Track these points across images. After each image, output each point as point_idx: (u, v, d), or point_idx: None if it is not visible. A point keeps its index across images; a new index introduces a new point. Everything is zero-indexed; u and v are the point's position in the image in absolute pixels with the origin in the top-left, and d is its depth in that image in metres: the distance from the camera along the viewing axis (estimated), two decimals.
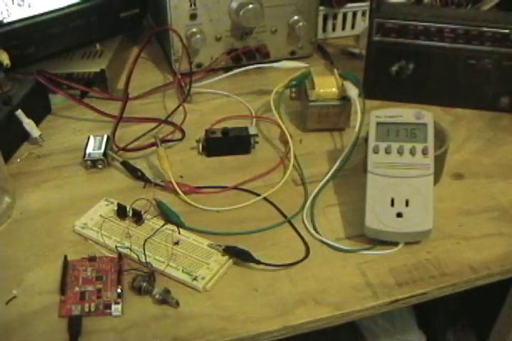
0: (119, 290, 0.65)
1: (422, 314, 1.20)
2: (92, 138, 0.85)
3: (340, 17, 1.08)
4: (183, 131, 0.88)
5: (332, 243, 0.72)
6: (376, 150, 0.74)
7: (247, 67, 0.97)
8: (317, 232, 0.73)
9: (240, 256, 0.69)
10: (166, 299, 0.65)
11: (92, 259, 0.69)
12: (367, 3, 1.04)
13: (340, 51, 1.07)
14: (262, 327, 0.64)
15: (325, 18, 1.08)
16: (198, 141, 0.85)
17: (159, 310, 0.65)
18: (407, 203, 0.71)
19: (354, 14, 1.08)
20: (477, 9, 0.99)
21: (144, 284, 0.65)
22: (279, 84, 0.89)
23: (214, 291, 0.67)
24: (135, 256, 0.68)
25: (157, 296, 0.65)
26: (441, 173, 0.80)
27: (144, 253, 0.68)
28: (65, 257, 0.69)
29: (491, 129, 0.89)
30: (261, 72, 0.99)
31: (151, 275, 0.66)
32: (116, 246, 0.70)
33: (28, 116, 0.85)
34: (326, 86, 0.86)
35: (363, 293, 0.67)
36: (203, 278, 0.67)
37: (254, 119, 0.91)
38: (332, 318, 0.65)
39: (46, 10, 0.90)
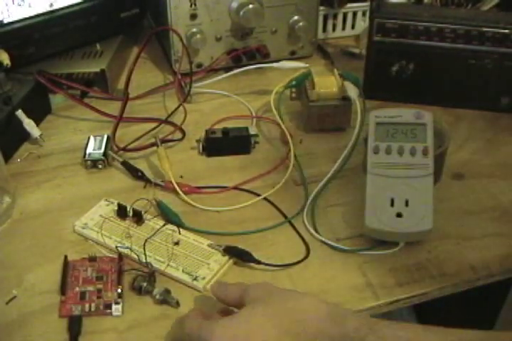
0: (119, 290, 0.65)
1: (422, 314, 1.20)
2: (92, 138, 0.85)
3: (340, 17, 1.08)
4: (183, 131, 0.88)
5: (332, 243, 0.72)
6: (376, 151, 0.74)
7: (247, 67, 0.97)
8: (317, 232, 0.73)
9: (240, 256, 0.69)
10: (166, 299, 0.65)
11: (92, 259, 0.69)
12: (367, 3, 1.05)
13: (341, 51, 1.07)
14: None
15: (325, 18, 1.08)
16: (198, 141, 0.85)
17: (159, 310, 0.65)
18: (406, 203, 0.70)
19: (354, 14, 1.08)
20: (477, 9, 0.99)
21: (144, 284, 0.65)
22: (279, 84, 0.89)
23: None
24: (135, 256, 0.68)
25: (157, 296, 0.65)
26: (441, 173, 0.80)
27: (145, 254, 0.68)
28: (66, 257, 0.69)
29: (492, 129, 0.89)
30: (261, 72, 0.99)
31: (151, 275, 0.66)
32: (116, 246, 0.70)
33: (28, 116, 0.85)
34: (326, 86, 0.86)
35: (363, 293, 0.67)
36: (203, 278, 0.67)
37: (254, 119, 0.91)
38: None
39: (46, 10, 0.90)
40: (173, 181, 0.77)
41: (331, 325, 0.53)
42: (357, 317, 0.54)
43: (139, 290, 0.66)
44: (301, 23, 0.99)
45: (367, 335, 0.51)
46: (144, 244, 0.69)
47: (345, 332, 0.53)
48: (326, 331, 0.53)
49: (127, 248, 0.69)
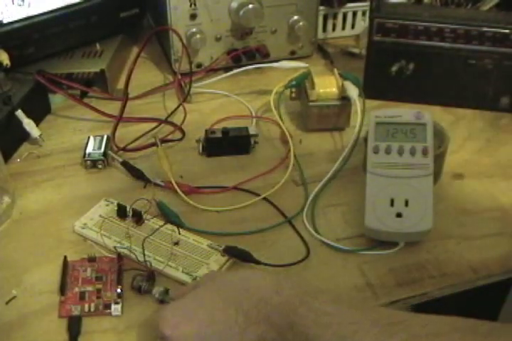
0: (118, 290, 0.65)
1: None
2: (92, 138, 0.85)
3: (340, 17, 1.08)
4: (183, 131, 0.88)
5: (332, 243, 0.72)
6: (376, 151, 0.74)
7: (247, 67, 0.97)
8: (317, 232, 0.73)
9: (239, 256, 0.69)
10: (165, 299, 0.64)
11: (91, 260, 0.69)
12: (367, 3, 1.04)
13: (341, 51, 1.07)
14: None
15: (325, 18, 1.08)
16: (198, 141, 0.85)
17: None
18: (406, 203, 0.70)
19: (354, 14, 1.08)
20: (477, 9, 0.99)
21: (144, 284, 0.65)
22: (279, 84, 0.89)
23: None
24: (135, 256, 0.68)
25: (156, 296, 0.65)
26: (440, 173, 0.80)
27: (143, 253, 0.68)
28: (65, 257, 0.69)
29: (491, 129, 0.89)
30: (261, 72, 0.99)
31: (150, 275, 0.66)
32: (114, 247, 0.69)
33: (28, 116, 0.85)
34: (326, 86, 0.86)
35: (363, 293, 0.67)
36: None
37: (254, 119, 0.91)
38: None
39: (46, 10, 0.90)
40: (173, 181, 0.77)
41: (271, 293, 0.55)
42: (293, 288, 0.56)
43: (138, 290, 0.65)
44: (301, 23, 0.99)
45: (298, 307, 0.53)
46: (143, 243, 0.68)
47: (282, 301, 0.54)
48: (267, 299, 0.55)
49: (126, 248, 0.69)
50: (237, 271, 0.65)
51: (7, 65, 0.84)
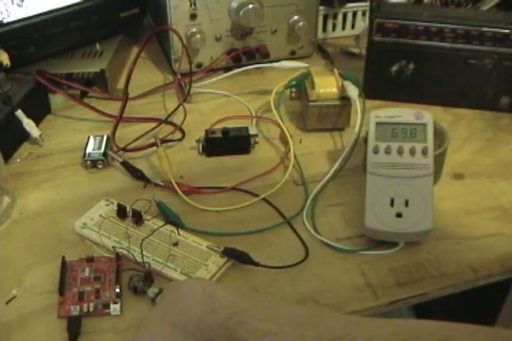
0: (117, 290, 0.65)
1: (422, 314, 1.20)
2: (92, 138, 0.85)
3: (340, 17, 1.08)
4: (183, 131, 0.88)
5: (332, 243, 0.72)
6: (376, 151, 0.74)
7: (247, 67, 0.97)
8: (317, 232, 0.73)
9: (238, 258, 0.69)
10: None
11: (89, 260, 0.69)
12: (367, 3, 1.04)
13: (340, 51, 1.07)
14: None
15: (325, 18, 1.08)
16: (198, 141, 0.85)
17: None
18: (406, 203, 0.70)
19: (354, 14, 1.08)
20: (477, 9, 0.99)
21: (139, 284, 0.65)
22: (279, 84, 0.89)
23: None
24: (132, 257, 0.68)
25: (152, 296, 0.65)
26: (440, 173, 0.80)
27: (142, 253, 0.68)
28: (63, 258, 0.68)
29: (491, 129, 0.89)
30: (261, 72, 0.99)
31: (147, 275, 0.66)
32: (113, 247, 0.69)
33: (28, 116, 0.85)
34: (326, 86, 0.86)
35: (363, 293, 0.67)
36: None
37: (254, 119, 0.91)
38: None
39: (46, 10, 0.90)
40: (173, 181, 0.77)
41: (207, 313, 0.52)
42: (227, 306, 0.52)
43: (134, 290, 0.65)
44: (301, 23, 0.99)
45: (236, 329, 0.49)
46: (141, 243, 0.68)
47: (218, 323, 0.51)
48: (204, 319, 0.52)
49: (124, 248, 0.69)
50: (177, 287, 0.57)
51: (7, 64, 0.85)
